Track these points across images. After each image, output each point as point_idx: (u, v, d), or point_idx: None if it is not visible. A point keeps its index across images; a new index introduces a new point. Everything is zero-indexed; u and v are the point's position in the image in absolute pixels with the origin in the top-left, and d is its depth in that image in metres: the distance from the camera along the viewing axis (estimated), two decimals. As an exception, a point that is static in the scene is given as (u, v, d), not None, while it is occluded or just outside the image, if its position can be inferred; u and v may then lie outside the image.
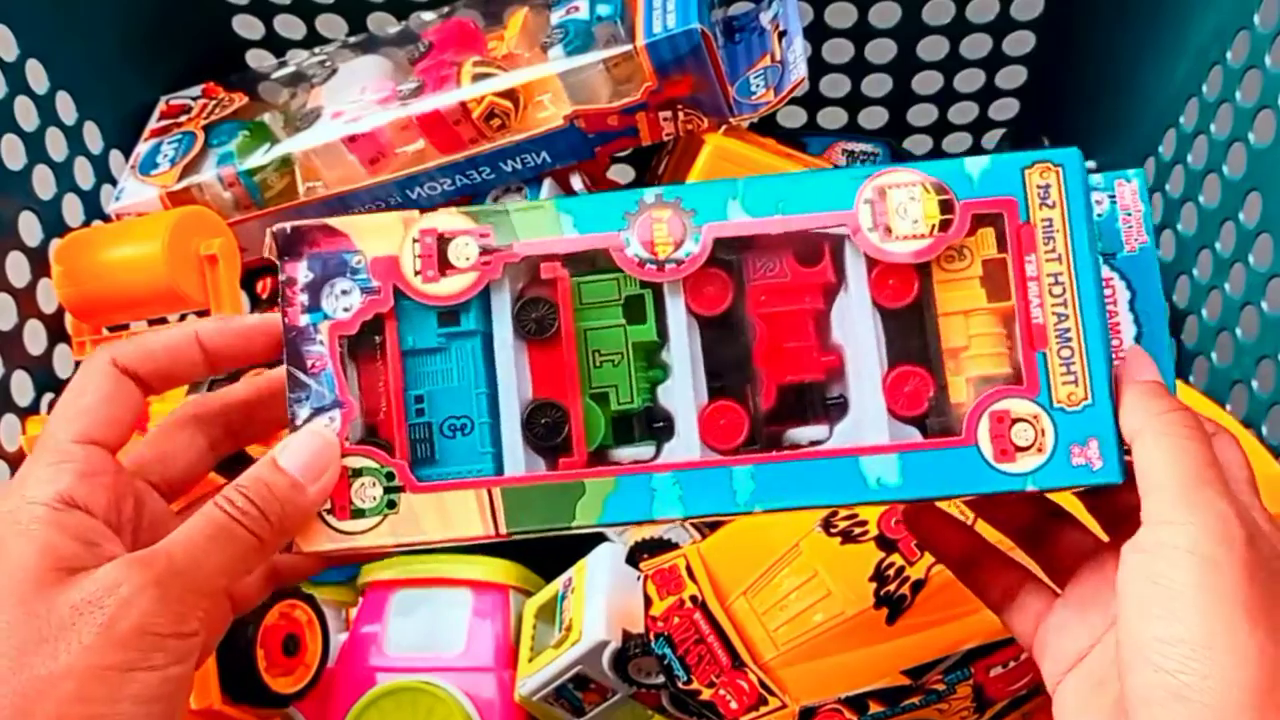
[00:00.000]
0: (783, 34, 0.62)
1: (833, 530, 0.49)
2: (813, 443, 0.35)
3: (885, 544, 0.48)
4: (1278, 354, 0.52)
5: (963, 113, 0.81)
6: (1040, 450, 0.34)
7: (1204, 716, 0.28)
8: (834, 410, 0.36)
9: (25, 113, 0.60)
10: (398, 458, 0.35)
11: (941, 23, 0.75)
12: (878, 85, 0.79)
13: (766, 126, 0.78)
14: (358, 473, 0.35)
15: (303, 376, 0.35)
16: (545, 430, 0.35)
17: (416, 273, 0.35)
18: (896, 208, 0.35)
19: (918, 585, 0.47)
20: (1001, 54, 0.76)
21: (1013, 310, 0.35)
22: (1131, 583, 0.30)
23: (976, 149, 0.83)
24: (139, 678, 0.29)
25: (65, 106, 0.63)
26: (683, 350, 0.36)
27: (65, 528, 0.31)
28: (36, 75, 0.61)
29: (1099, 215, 0.38)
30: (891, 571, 0.47)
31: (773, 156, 0.60)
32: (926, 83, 0.79)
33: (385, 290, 0.35)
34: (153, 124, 0.69)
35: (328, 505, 0.35)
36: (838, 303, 0.36)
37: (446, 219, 0.35)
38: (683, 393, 0.35)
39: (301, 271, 0.35)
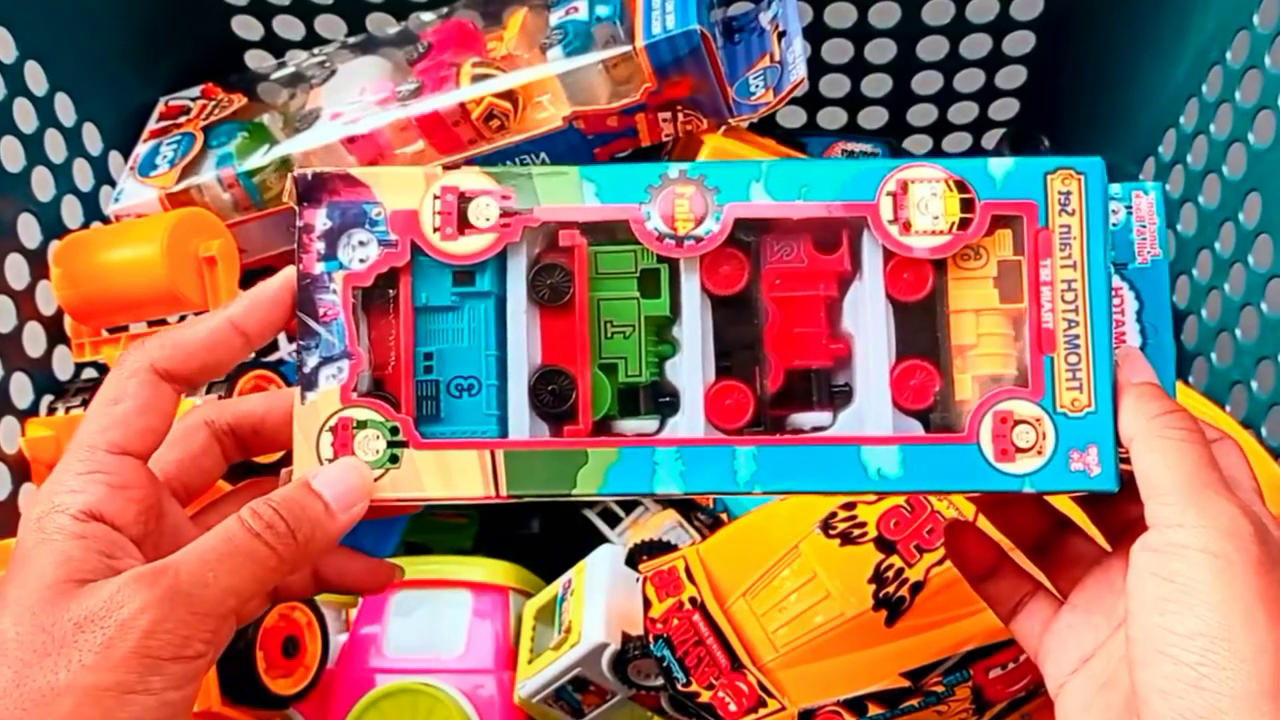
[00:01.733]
0: (782, 34, 0.62)
1: (832, 532, 0.49)
2: (815, 428, 0.36)
3: (884, 546, 0.48)
4: (1277, 355, 0.52)
5: (963, 113, 0.81)
6: (1040, 453, 0.34)
7: (1223, 705, 0.28)
8: (839, 398, 0.36)
9: (24, 114, 0.60)
10: (403, 413, 0.35)
11: (941, 23, 0.74)
12: (878, 85, 0.79)
13: (766, 127, 0.77)
14: (362, 424, 0.35)
15: (313, 324, 0.35)
16: (552, 397, 0.35)
17: (435, 229, 0.35)
18: (918, 202, 0.35)
19: (917, 587, 0.47)
20: (1001, 54, 0.76)
21: (1024, 313, 0.35)
22: (1144, 580, 0.31)
23: (976, 149, 0.83)
24: (136, 700, 0.29)
25: (64, 108, 0.63)
26: (694, 327, 0.36)
27: (86, 539, 0.31)
28: (35, 77, 0.61)
29: (1114, 225, 0.38)
30: (890, 573, 0.47)
31: (772, 157, 0.60)
32: (926, 83, 0.79)
33: (403, 244, 0.35)
34: (152, 125, 0.69)
35: (330, 454, 0.35)
36: (851, 292, 0.36)
37: (469, 178, 0.36)
38: (691, 370, 0.36)
39: (320, 219, 0.35)
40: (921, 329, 0.36)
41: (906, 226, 0.35)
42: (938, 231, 0.35)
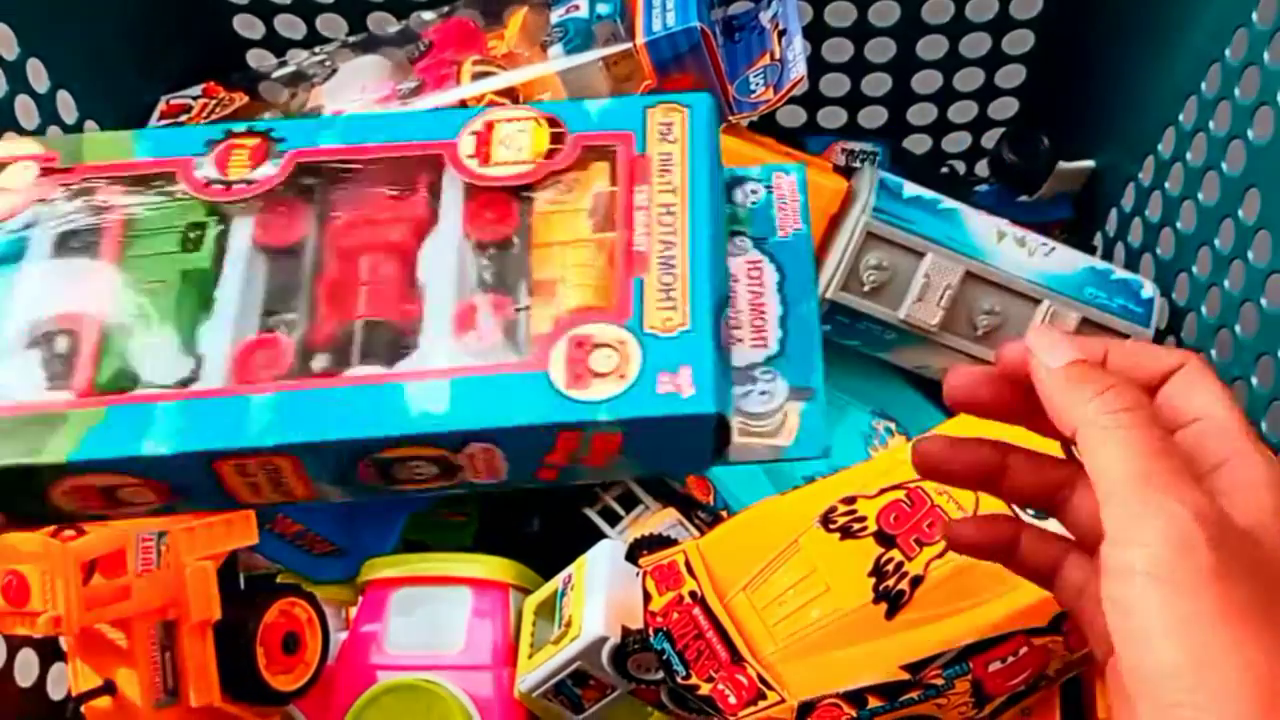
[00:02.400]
0: (782, 33, 0.62)
1: (831, 526, 0.49)
2: None
3: (884, 539, 0.48)
4: (1277, 350, 0.52)
5: (962, 112, 0.81)
6: (622, 376, 0.31)
7: None
8: (403, 352, 0.33)
9: (26, 112, 0.60)
10: None
11: (941, 22, 0.75)
12: (877, 84, 0.79)
13: (766, 125, 0.78)
14: None
15: None
16: (53, 356, 0.32)
17: None
18: (503, 139, 0.34)
19: (916, 580, 0.47)
20: (1001, 53, 0.76)
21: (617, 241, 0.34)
22: (1108, 611, 0.28)
23: (976, 148, 0.83)
24: None
25: (66, 106, 0.63)
26: (236, 283, 0.33)
27: None
28: (37, 74, 0.61)
29: (754, 203, 0.38)
30: (890, 567, 0.47)
31: (772, 155, 0.60)
32: (926, 82, 0.79)
33: None
34: (153, 124, 0.69)
35: None
36: (428, 240, 0.34)
37: (10, 145, 0.35)
38: (223, 328, 0.33)
39: None
40: (501, 266, 0.34)
41: (486, 159, 0.34)
42: (520, 162, 0.34)
